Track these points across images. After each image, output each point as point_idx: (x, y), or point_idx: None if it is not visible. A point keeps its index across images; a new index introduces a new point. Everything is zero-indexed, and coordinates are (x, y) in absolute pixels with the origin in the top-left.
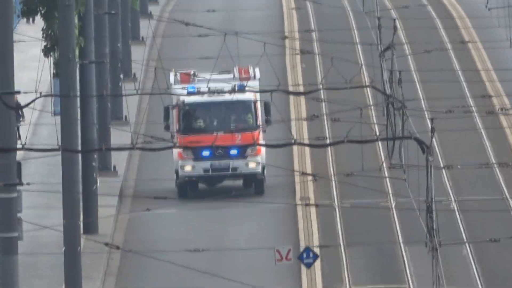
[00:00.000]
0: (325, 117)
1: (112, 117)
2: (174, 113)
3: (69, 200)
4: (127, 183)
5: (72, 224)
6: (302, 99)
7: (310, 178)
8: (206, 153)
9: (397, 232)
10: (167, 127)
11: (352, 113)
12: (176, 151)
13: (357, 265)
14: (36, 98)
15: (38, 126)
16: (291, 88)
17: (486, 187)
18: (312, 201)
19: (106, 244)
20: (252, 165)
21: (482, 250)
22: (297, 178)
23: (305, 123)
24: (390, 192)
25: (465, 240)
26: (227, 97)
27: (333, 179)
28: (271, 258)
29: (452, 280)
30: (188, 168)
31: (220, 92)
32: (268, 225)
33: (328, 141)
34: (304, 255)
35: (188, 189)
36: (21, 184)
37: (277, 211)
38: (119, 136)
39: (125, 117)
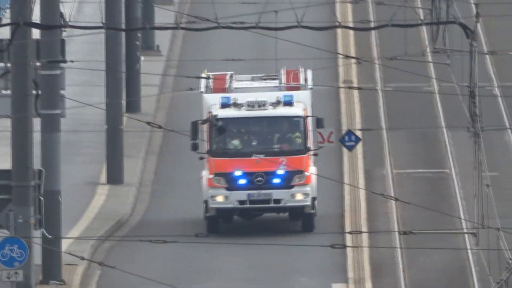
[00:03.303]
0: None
1: None
2: (204, 130)
3: (112, 79)
4: (170, 62)
5: (115, 102)
6: None
7: (353, 61)
8: (242, 181)
9: (439, 116)
10: (194, 147)
11: None
12: (205, 178)
13: (399, 149)
14: None
15: (82, 3)
16: None
17: None
18: (355, 84)
19: (148, 123)
20: (299, 196)
21: None
22: (340, 61)
23: (349, 6)
24: (433, 76)
25: (507, 126)
26: (271, 111)
27: (376, 62)
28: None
29: (493, 166)
30: (220, 198)
31: (262, 105)
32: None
33: (372, 25)
34: (346, 138)
35: (221, 222)
36: (65, 61)
37: (320, 93)
38: (163, 15)
39: None
